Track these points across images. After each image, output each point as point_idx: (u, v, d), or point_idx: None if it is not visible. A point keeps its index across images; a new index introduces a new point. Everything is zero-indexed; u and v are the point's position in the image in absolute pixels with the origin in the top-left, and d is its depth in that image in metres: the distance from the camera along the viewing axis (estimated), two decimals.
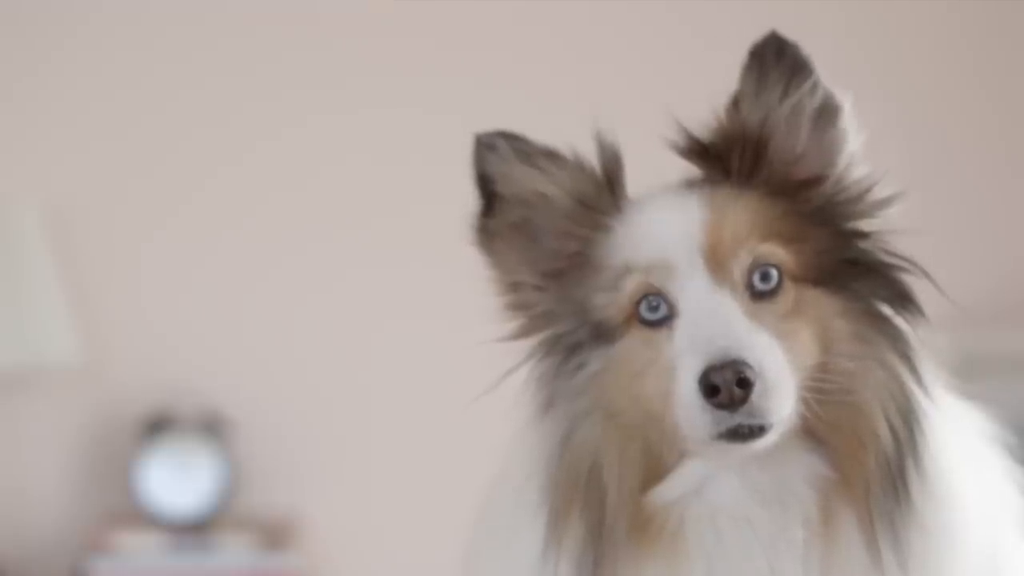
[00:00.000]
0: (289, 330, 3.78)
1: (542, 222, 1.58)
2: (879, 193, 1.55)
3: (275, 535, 3.58)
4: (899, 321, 1.53)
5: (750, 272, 1.51)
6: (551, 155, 1.57)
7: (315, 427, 3.77)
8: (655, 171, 1.57)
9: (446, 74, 3.76)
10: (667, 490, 1.54)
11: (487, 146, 1.57)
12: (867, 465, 1.51)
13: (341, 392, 3.78)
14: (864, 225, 1.55)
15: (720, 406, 1.45)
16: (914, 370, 1.53)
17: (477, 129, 1.58)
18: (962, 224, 3.67)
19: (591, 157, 1.58)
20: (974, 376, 1.59)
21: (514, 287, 1.59)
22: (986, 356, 2.99)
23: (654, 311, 1.52)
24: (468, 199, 1.58)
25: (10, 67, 3.73)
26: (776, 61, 1.54)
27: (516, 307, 1.59)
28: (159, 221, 3.75)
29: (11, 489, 3.71)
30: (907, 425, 1.52)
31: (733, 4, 3.70)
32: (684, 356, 1.49)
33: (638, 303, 1.53)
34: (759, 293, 1.51)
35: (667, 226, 1.54)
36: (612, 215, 1.57)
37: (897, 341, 1.53)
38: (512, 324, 1.59)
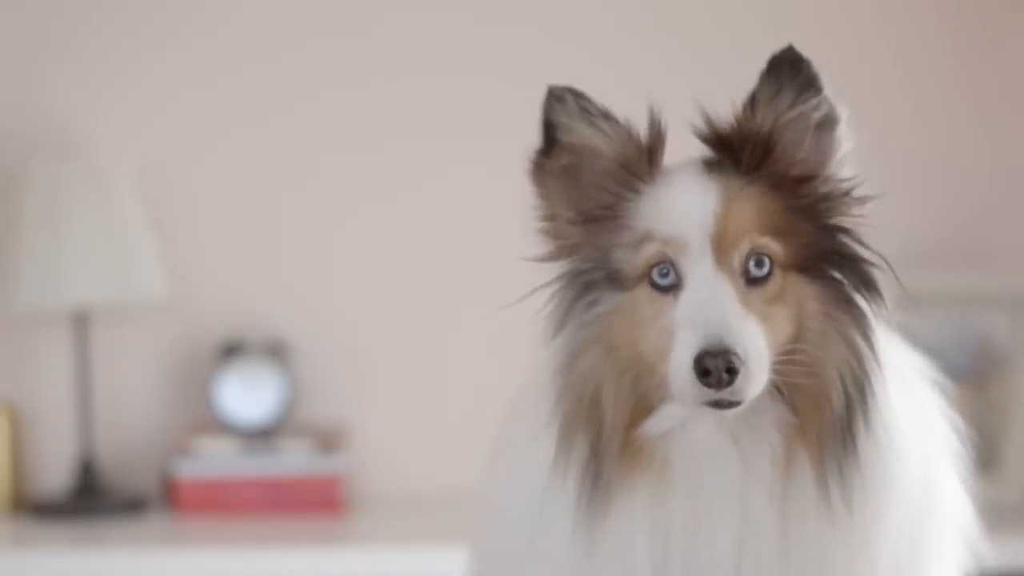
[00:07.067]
0: (340, 273, 3.82)
1: (587, 172, 1.64)
2: (860, 192, 1.63)
3: (328, 441, 3.67)
4: (863, 304, 1.61)
5: (747, 259, 1.60)
6: (608, 117, 1.64)
7: (361, 352, 3.82)
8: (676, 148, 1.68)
9: (513, 31, 3.83)
10: (653, 425, 1.63)
11: (557, 98, 1.63)
12: (822, 422, 1.60)
13: (383, 324, 3.83)
14: (844, 221, 1.63)
15: (708, 385, 1.54)
16: (872, 346, 1.61)
17: (547, 83, 1.66)
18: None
19: (640, 126, 1.64)
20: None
21: (553, 217, 1.66)
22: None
23: (664, 277, 1.60)
24: (523, 147, 1.69)
25: (111, 49, 3.80)
26: (791, 75, 1.60)
27: (551, 234, 1.67)
28: (233, 179, 3.80)
29: (111, 403, 3.78)
30: (860, 392, 1.60)
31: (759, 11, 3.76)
32: (683, 328, 1.57)
33: (652, 267, 1.61)
34: (752, 279, 1.60)
35: (687, 208, 1.60)
36: (645, 181, 1.63)
37: (859, 320, 1.61)
38: (545, 249, 1.67)
